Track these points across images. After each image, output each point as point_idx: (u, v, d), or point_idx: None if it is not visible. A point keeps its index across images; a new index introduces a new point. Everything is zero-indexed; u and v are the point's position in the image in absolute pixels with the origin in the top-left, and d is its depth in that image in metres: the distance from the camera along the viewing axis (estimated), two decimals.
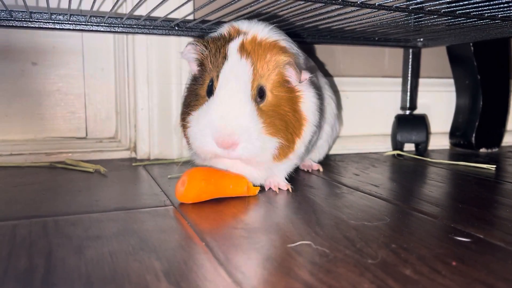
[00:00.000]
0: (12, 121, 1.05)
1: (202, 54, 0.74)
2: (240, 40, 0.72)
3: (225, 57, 0.70)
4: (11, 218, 0.60)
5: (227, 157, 0.69)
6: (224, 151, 0.68)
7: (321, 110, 0.82)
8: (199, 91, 0.74)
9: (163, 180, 0.85)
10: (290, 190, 0.77)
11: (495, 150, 1.31)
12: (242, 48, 0.71)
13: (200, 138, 0.69)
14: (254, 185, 0.74)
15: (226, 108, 0.67)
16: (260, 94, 0.70)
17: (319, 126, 0.83)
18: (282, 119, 0.71)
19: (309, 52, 1.21)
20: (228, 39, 0.73)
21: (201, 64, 0.75)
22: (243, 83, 0.68)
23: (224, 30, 0.76)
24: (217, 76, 0.70)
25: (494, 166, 1.03)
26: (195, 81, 0.76)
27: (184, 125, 0.75)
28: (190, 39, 1.06)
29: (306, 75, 0.73)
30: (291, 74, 0.72)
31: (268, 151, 0.70)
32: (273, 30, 0.76)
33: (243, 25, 0.76)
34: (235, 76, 0.68)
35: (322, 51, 1.23)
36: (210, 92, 0.71)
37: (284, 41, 0.75)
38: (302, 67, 0.74)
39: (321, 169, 0.97)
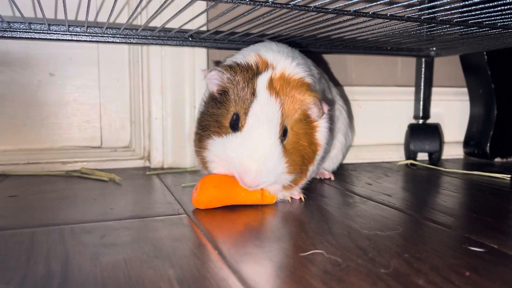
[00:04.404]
0: (30, 131, 1.07)
1: (228, 83, 0.72)
2: (269, 75, 0.71)
3: (253, 93, 0.69)
4: (29, 226, 0.61)
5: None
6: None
7: (332, 129, 0.82)
8: (220, 119, 0.72)
9: (177, 189, 0.86)
10: (302, 199, 0.78)
11: (510, 159, 1.29)
12: (271, 85, 0.70)
13: (223, 166, 0.70)
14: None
15: (257, 151, 0.67)
16: (283, 133, 0.70)
17: (329, 144, 0.84)
18: (299, 154, 0.72)
19: (320, 60, 1.21)
20: (256, 72, 0.72)
21: (225, 91, 0.72)
22: (274, 127, 0.68)
23: (251, 59, 0.74)
24: (245, 113, 0.69)
25: (509, 175, 1.02)
26: (215, 103, 0.73)
27: (201, 146, 0.74)
28: (203, 50, 1.08)
29: (325, 108, 0.73)
30: (313, 112, 0.73)
31: (282, 185, 0.72)
32: (299, 65, 0.74)
33: (268, 54, 0.74)
34: (266, 118, 0.68)
35: (333, 60, 1.23)
36: (235, 126, 0.69)
37: (309, 77, 0.75)
38: (323, 101, 0.74)
39: (332, 178, 0.98)
